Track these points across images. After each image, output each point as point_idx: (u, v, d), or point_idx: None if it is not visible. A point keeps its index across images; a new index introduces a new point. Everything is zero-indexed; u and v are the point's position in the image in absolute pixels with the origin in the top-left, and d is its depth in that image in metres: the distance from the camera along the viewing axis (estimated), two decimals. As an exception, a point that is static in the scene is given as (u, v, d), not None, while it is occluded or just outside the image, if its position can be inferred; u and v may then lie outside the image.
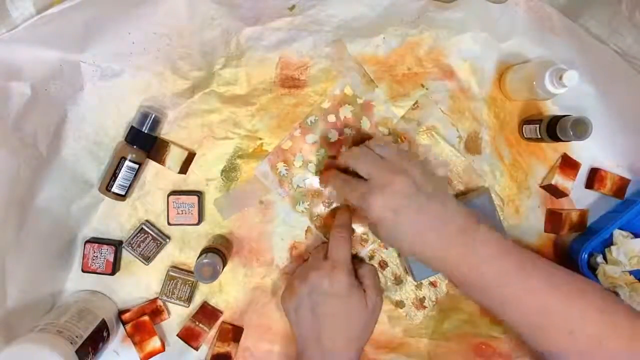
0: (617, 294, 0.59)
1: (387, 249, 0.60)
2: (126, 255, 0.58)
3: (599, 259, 0.61)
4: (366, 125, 0.59)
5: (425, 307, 0.60)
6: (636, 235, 0.61)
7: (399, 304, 0.60)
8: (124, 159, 0.54)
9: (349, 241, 0.52)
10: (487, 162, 0.60)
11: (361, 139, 0.56)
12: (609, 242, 0.61)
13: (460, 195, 0.60)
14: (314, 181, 0.58)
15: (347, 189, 0.49)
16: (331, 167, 0.56)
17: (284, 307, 0.53)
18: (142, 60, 0.54)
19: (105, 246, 0.56)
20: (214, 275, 0.52)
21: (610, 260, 0.61)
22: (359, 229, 0.59)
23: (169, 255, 0.59)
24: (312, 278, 0.50)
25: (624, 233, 0.61)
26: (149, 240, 0.57)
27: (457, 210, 0.47)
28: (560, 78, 0.51)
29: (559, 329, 0.45)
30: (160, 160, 0.56)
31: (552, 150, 0.62)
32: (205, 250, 0.55)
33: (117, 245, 0.57)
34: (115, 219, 0.58)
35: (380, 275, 0.59)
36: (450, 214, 0.46)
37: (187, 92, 0.56)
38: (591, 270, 0.60)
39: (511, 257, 0.46)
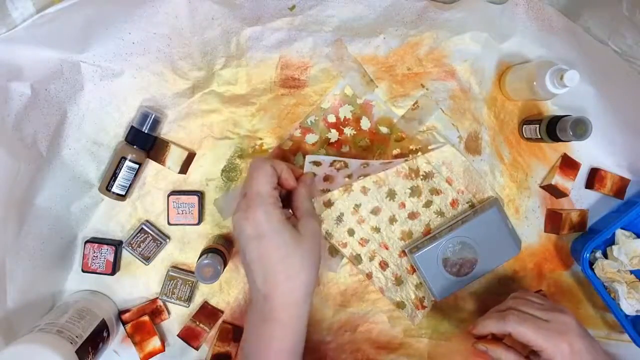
0: (614, 289, 0.59)
1: (387, 249, 0.60)
2: (126, 255, 0.58)
3: (598, 254, 0.61)
4: (366, 126, 0.59)
5: (425, 307, 0.60)
6: (638, 236, 0.61)
7: (400, 305, 0.60)
8: (124, 159, 0.54)
9: (266, 170, 0.44)
10: (487, 162, 0.60)
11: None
12: (611, 242, 0.61)
13: (469, 209, 0.60)
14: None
15: None
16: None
17: None
18: (142, 60, 0.54)
19: (105, 246, 0.56)
20: (215, 276, 0.52)
21: (610, 258, 0.61)
22: (357, 228, 0.59)
23: (169, 255, 0.59)
24: (234, 221, 0.44)
25: (627, 233, 0.61)
26: (149, 240, 0.57)
27: None
28: (561, 78, 0.51)
29: None
30: (160, 160, 0.56)
31: (552, 150, 0.62)
32: (206, 251, 0.55)
33: (117, 245, 0.57)
34: (115, 219, 0.58)
35: (381, 275, 0.59)
36: None
37: (187, 92, 0.56)
38: (592, 269, 0.60)
39: None
